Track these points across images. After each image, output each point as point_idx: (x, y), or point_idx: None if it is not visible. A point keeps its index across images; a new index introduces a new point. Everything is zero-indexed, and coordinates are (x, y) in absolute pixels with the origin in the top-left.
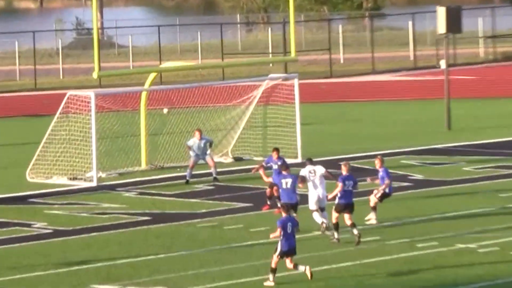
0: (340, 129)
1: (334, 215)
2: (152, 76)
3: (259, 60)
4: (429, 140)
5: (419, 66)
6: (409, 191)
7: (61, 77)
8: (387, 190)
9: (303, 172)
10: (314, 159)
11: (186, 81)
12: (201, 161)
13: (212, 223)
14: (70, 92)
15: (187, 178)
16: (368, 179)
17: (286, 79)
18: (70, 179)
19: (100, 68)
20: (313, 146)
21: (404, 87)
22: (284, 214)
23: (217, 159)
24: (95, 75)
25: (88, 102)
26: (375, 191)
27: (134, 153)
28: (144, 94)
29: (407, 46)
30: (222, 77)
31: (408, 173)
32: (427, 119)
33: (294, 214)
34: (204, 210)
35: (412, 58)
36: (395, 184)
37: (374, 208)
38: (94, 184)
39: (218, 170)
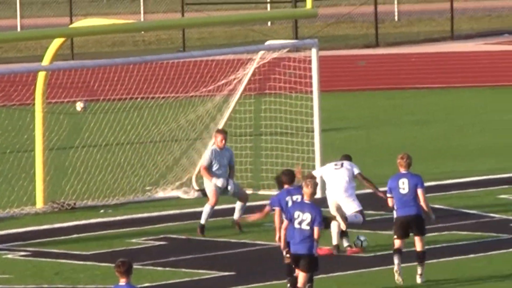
0: (395, 137)
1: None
2: (55, 44)
3: (249, 16)
4: None
5: None
6: (497, 252)
7: None
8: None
9: (319, 171)
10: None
11: (117, 53)
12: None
13: None
14: None
15: (203, 221)
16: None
17: (296, 49)
18: None
19: None
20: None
21: (508, 64)
22: None
23: (173, 192)
24: None
25: None
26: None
27: (23, 183)
28: (41, 77)
29: None
30: (182, 46)
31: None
32: None
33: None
34: (147, 284)
35: None
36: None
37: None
38: None
39: (175, 211)
